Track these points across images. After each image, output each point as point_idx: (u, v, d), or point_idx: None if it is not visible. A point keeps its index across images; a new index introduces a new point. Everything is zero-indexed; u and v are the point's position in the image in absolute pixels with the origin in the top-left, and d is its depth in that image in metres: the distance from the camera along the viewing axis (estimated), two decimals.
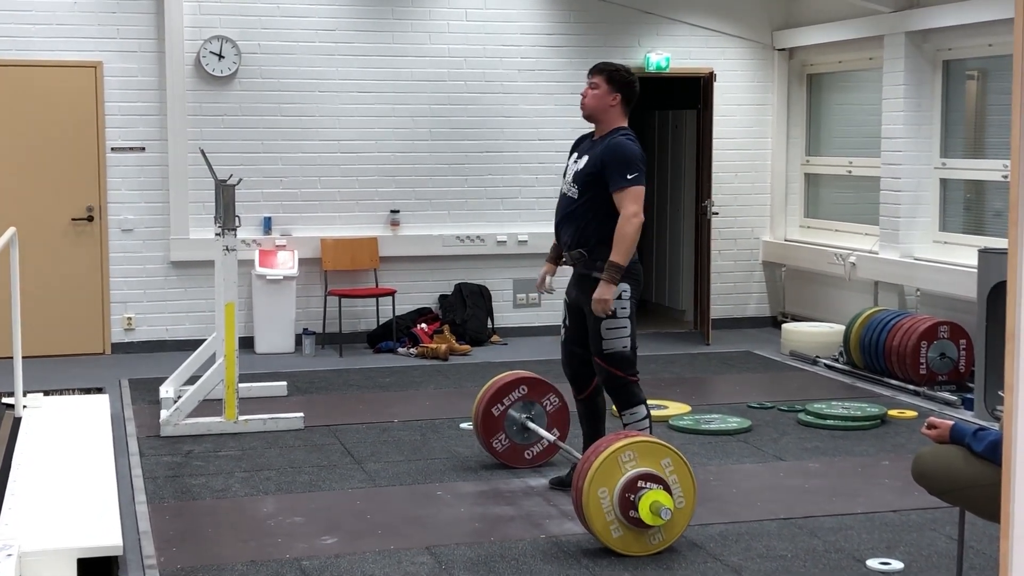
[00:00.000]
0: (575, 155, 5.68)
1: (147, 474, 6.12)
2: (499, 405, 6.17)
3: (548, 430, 6.09)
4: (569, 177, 5.62)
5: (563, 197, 5.69)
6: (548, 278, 5.89)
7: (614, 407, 5.66)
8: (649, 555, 4.93)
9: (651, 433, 5.47)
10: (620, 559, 4.89)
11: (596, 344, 5.52)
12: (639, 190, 5.36)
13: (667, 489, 4.90)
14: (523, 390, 6.16)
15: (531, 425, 6.08)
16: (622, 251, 5.34)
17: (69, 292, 9.30)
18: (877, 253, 9.29)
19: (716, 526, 5.31)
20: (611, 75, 5.59)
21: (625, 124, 5.62)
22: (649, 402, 7.37)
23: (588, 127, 5.82)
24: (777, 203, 10.74)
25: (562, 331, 5.83)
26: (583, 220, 5.52)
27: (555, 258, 5.87)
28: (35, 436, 6.38)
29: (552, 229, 5.86)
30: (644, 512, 4.85)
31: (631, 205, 5.35)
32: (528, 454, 6.20)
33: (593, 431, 5.81)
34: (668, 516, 4.86)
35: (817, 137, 10.61)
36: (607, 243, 5.41)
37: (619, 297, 5.46)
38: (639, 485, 4.88)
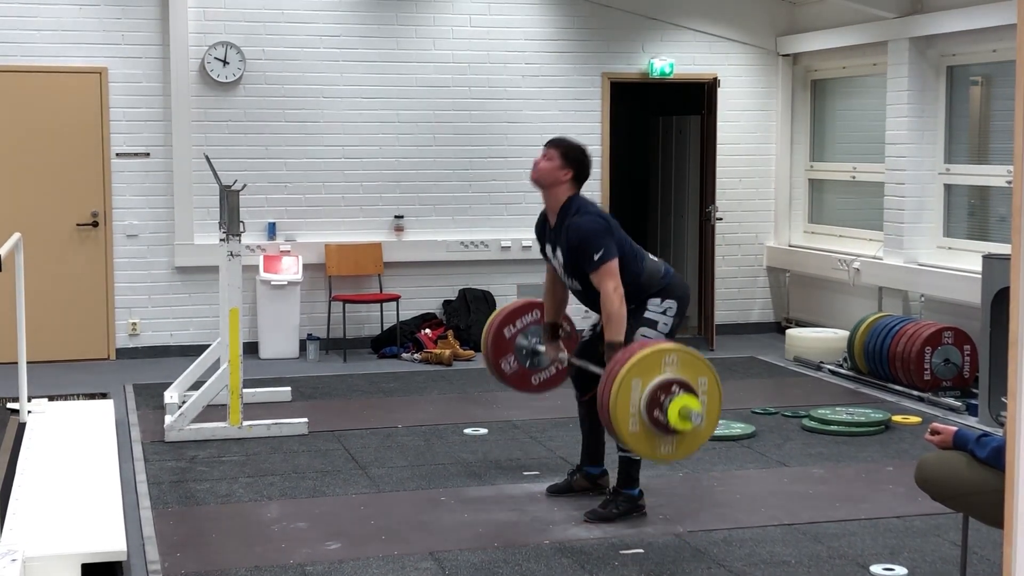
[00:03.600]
0: (548, 247, 5.65)
1: (151, 479, 6.12)
2: (511, 327, 6.05)
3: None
4: (561, 272, 5.63)
5: (565, 286, 5.71)
6: (559, 354, 5.83)
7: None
8: (655, 461, 5.02)
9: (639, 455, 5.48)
10: (625, 565, 4.89)
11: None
12: (610, 265, 5.34)
13: None
14: (536, 315, 6.04)
15: (541, 349, 5.97)
16: (613, 328, 5.30)
17: (74, 297, 9.31)
18: (881, 259, 9.29)
19: (720, 532, 5.31)
20: (566, 151, 5.55)
21: (568, 192, 5.54)
22: None
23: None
24: (781, 208, 10.74)
25: (588, 332, 5.82)
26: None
27: (553, 335, 5.83)
28: (39, 441, 6.38)
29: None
30: (672, 415, 4.88)
31: (607, 282, 5.33)
32: (535, 379, 6.12)
33: (594, 434, 5.81)
34: (699, 421, 4.90)
35: (821, 143, 10.62)
36: (639, 293, 5.45)
37: (664, 312, 5.48)
38: (673, 389, 4.91)
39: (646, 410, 4.92)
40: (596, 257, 5.33)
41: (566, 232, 5.45)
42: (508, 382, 6.13)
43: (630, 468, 5.50)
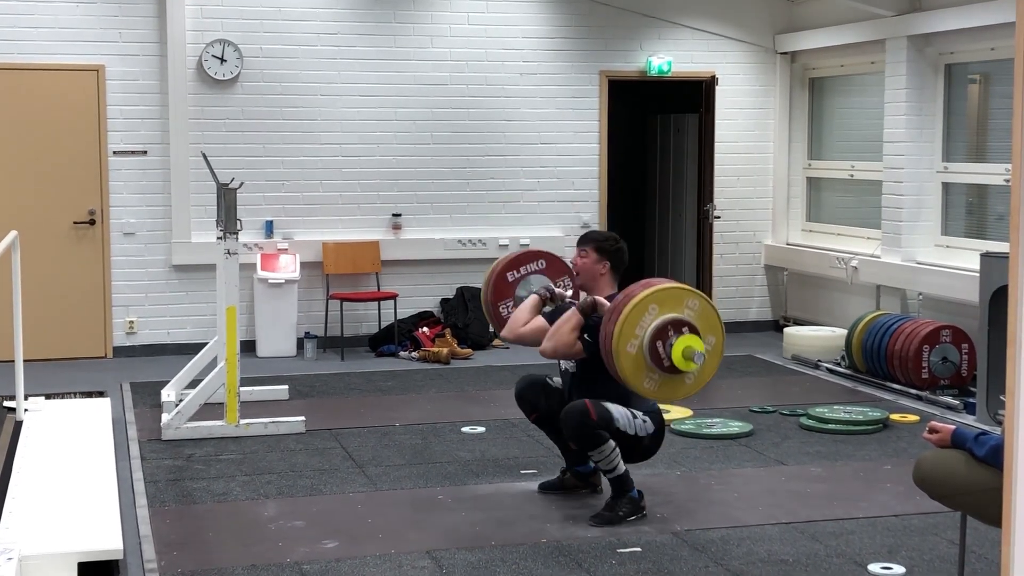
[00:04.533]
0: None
1: (148, 478, 6.11)
2: (515, 272, 6.11)
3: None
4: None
5: (564, 371, 5.69)
6: (565, 291, 5.84)
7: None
8: (631, 388, 5.14)
9: (625, 466, 5.42)
10: (622, 564, 4.89)
11: (607, 396, 5.40)
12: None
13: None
14: (541, 264, 6.12)
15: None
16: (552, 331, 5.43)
17: (71, 295, 9.30)
18: (879, 257, 9.28)
19: (717, 530, 5.31)
20: (598, 245, 5.63)
21: (614, 292, 5.58)
22: None
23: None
24: (779, 207, 10.73)
25: (562, 376, 5.72)
26: (592, 391, 5.46)
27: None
28: (36, 440, 6.37)
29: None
30: (676, 352, 4.97)
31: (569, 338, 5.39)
32: None
33: (563, 440, 5.79)
34: (700, 362, 5.00)
35: (819, 141, 10.61)
36: (624, 402, 5.40)
37: (644, 421, 5.42)
38: (684, 329, 4.99)
39: (650, 338, 4.95)
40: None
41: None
42: (502, 325, 6.05)
43: (622, 480, 5.44)
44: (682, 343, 4.93)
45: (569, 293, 5.93)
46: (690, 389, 5.18)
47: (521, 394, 5.79)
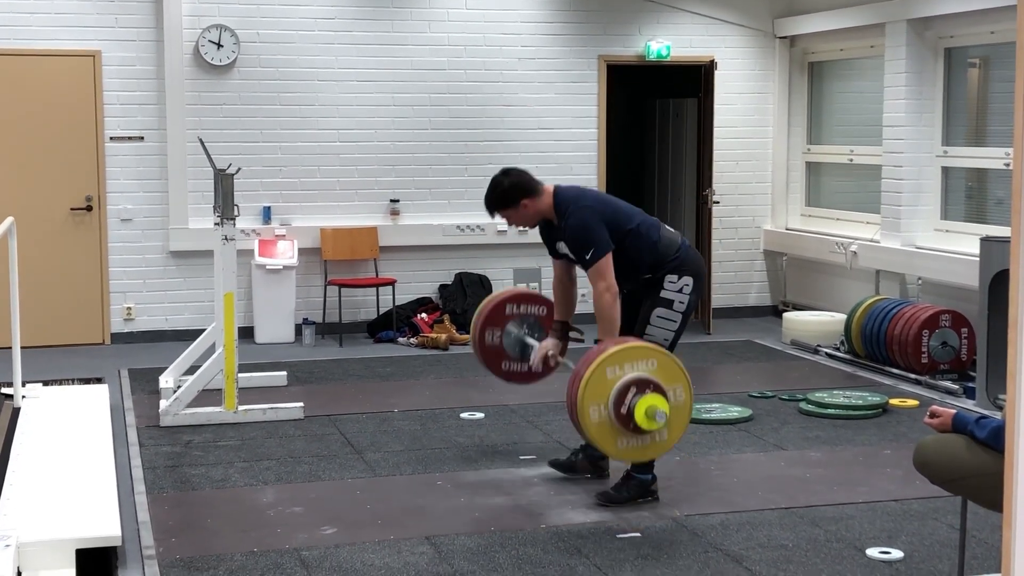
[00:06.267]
0: (559, 244, 5.61)
1: (146, 464, 6.10)
2: (515, 306, 6.02)
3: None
4: (581, 266, 5.55)
5: (573, 287, 5.75)
6: (556, 351, 5.70)
7: None
8: (610, 455, 5.18)
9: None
10: (622, 549, 4.88)
11: (640, 327, 5.44)
12: (602, 263, 5.35)
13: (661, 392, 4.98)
14: (542, 310, 6.02)
15: (529, 341, 5.92)
16: (605, 327, 5.33)
17: (68, 282, 9.28)
18: (878, 242, 9.27)
19: (717, 515, 5.30)
20: (503, 200, 5.63)
21: (549, 199, 5.57)
22: None
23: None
24: (778, 192, 10.71)
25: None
26: (624, 271, 5.45)
27: (563, 333, 5.73)
28: (34, 426, 6.36)
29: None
30: (639, 412, 4.90)
31: (599, 282, 5.34)
32: (505, 365, 6.05)
33: None
34: (663, 421, 4.93)
35: (818, 125, 10.58)
36: (659, 263, 5.44)
37: (680, 291, 5.43)
38: (646, 388, 4.93)
39: (614, 402, 4.93)
40: (588, 257, 5.38)
41: (564, 231, 5.50)
42: (480, 352, 6.06)
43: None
44: (643, 405, 4.90)
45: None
46: (668, 442, 5.11)
47: None
